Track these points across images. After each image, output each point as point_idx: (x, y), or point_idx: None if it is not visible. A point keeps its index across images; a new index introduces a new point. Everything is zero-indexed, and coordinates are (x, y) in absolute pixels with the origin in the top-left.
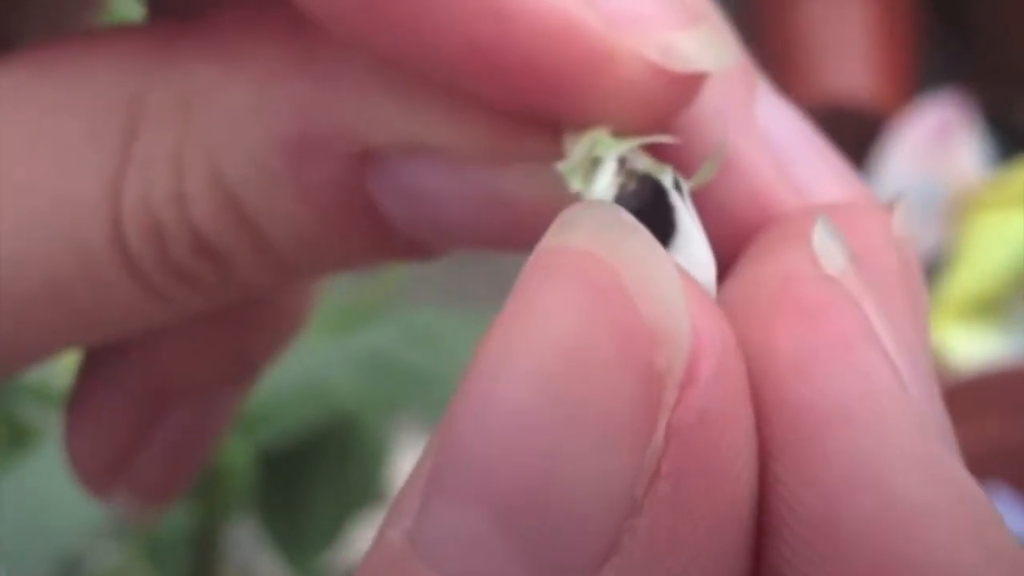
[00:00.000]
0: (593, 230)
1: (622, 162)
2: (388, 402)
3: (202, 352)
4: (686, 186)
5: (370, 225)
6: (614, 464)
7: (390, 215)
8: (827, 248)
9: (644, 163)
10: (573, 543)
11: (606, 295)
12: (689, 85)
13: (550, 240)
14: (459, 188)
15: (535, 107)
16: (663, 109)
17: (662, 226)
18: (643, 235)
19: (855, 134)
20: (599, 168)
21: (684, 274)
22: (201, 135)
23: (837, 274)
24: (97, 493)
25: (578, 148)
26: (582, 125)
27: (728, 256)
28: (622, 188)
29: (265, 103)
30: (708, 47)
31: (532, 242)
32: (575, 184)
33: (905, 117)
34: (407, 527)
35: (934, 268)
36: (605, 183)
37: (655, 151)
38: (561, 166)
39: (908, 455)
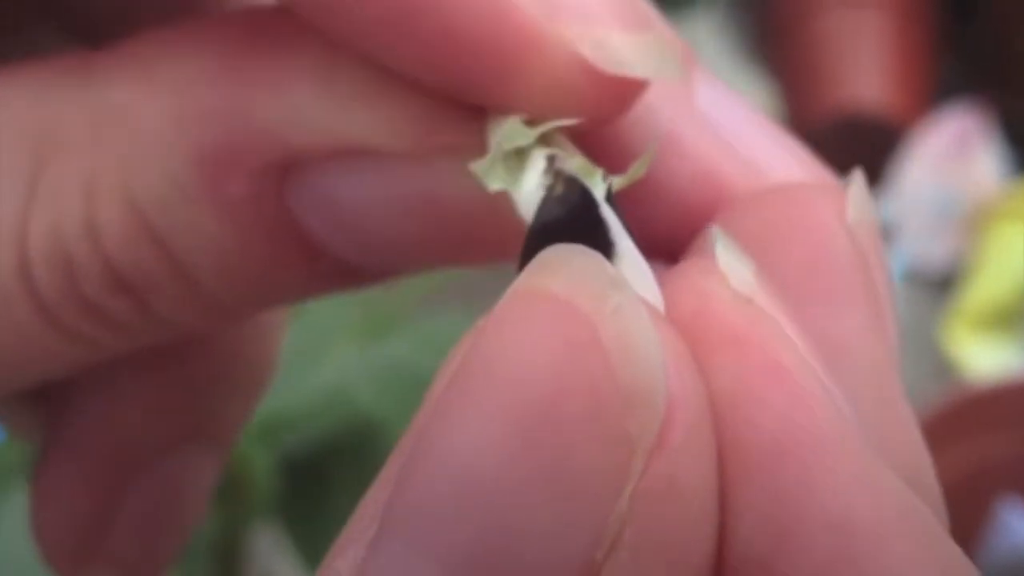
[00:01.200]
0: (575, 278)
1: (550, 160)
2: (409, 411)
3: (162, 412)
4: (612, 187)
5: (294, 248)
6: (574, 528)
7: (314, 233)
8: (731, 264)
9: (573, 164)
10: None
11: (582, 351)
12: (620, 90)
13: (527, 280)
14: (381, 191)
15: (458, 87)
16: (592, 111)
17: (592, 237)
18: (627, 290)
19: (873, 144)
20: (526, 165)
21: (662, 331)
22: (113, 159)
23: (747, 291)
24: (68, 575)
25: (493, 141)
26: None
27: (681, 241)
28: (549, 191)
29: (178, 117)
30: (648, 55)
31: (465, 257)
32: (493, 183)
33: (923, 128)
34: (357, 561)
35: (951, 279)
36: (533, 183)
37: (586, 146)
38: (475, 165)
39: (852, 481)
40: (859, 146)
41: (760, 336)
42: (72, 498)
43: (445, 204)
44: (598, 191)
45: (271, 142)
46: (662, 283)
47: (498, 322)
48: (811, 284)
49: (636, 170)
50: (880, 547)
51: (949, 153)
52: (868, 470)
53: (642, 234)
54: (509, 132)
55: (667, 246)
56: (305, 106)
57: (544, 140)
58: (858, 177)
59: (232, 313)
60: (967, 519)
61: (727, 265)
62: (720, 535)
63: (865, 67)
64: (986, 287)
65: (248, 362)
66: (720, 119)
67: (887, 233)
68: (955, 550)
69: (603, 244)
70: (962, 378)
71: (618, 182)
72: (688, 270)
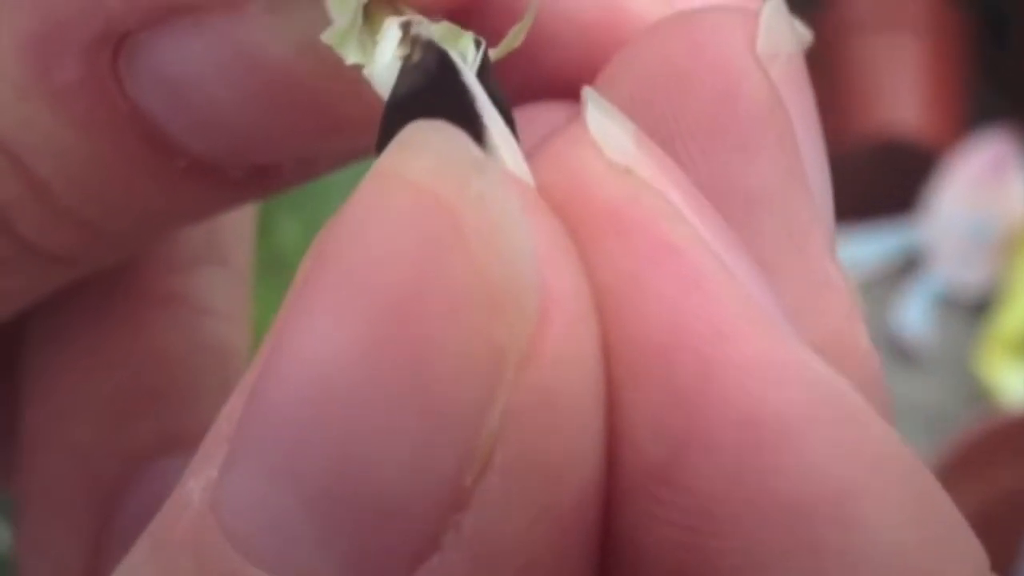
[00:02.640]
0: (435, 160)
1: (406, 28)
2: None
3: (121, 425)
4: (486, 54)
5: (141, 142)
6: (438, 448)
7: (158, 120)
8: (605, 130)
9: (434, 30)
10: (385, 536)
11: (441, 245)
12: None
13: (384, 164)
14: (206, 55)
15: None
16: None
17: (455, 110)
18: (493, 173)
19: (907, 170)
20: (380, 35)
21: (536, 219)
22: None
23: (624, 159)
24: None
25: (339, 7)
26: None
27: (589, 73)
28: (405, 60)
29: (7, 4)
30: None
31: (321, 138)
32: (350, 55)
33: (957, 153)
34: (210, 480)
35: (985, 304)
36: (389, 55)
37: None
38: (327, 36)
39: (759, 369)
40: (893, 171)
41: (643, 213)
42: (57, 546)
43: (269, 65)
44: (468, 59)
45: (89, 11)
46: (530, 158)
47: (351, 211)
48: (718, 128)
49: (513, 37)
50: (794, 441)
51: (983, 178)
52: (778, 354)
53: (542, 80)
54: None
55: (573, 87)
56: None
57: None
58: (773, 2)
59: (113, 237)
60: (1000, 545)
61: (600, 130)
62: (610, 451)
63: (899, 92)
64: (1020, 312)
65: (208, 354)
66: None
67: (921, 258)
68: (882, 431)
69: (468, 117)
70: (996, 404)
71: (494, 53)
72: (559, 140)
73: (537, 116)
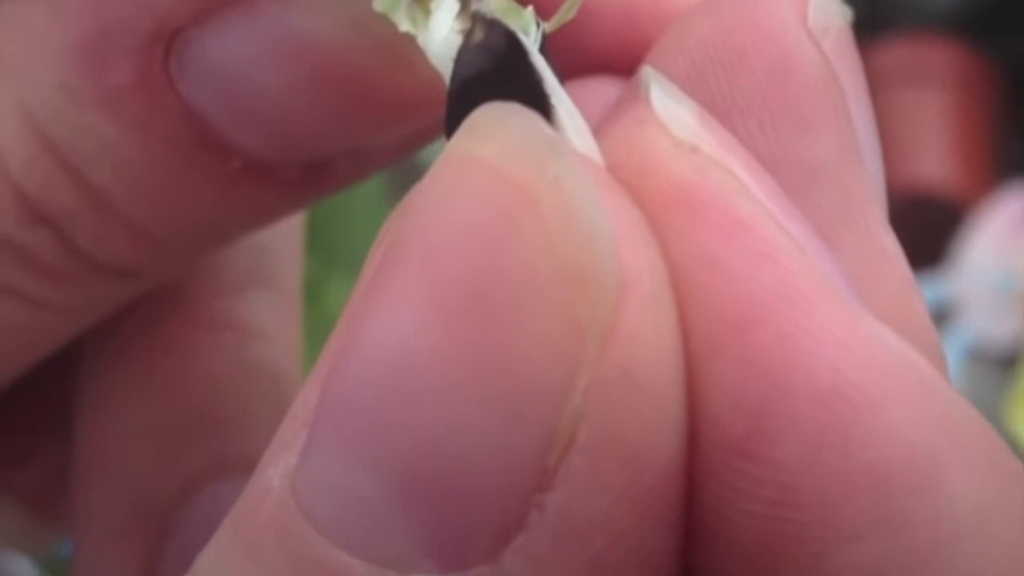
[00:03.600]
0: (511, 143)
1: (464, 1)
2: None
3: (178, 448)
4: (541, 28)
5: (196, 144)
6: (522, 428)
7: (211, 119)
8: (669, 110)
9: (492, 3)
10: (470, 518)
11: (520, 226)
12: None
13: (458, 146)
14: (256, 43)
15: None
16: None
17: (523, 91)
18: (568, 155)
19: (935, 223)
20: (432, 7)
21: (611, 199)
22: (5, 76)
23: (690, 139)
24: None
25: None
26: None
27: (630, 47)
28: (466, 37)
29: (56, 12)
30: None
31: (375, 124)
32: (403, 23)
33: (985, 207)
34: (289, 467)
35: (1014, 358)
36: (445, 28)
37: None
38: (379, 4)
39: (834, 341)
40: (921, 225)
41: (712, 190)
42: (111, 570)
43: (320, 46)
44: (530, 36)
45: (139, 11)
46: (597, 137)
47: (427, 194)
48: (774, 102)
49: (566, 11)
50: (874, 412)
51: (1011, 232)
52: (851, 326)
53: (583, 54)
54: None
55: (614, 63)
56: None
57: None
58: None
59: (171, 247)
60: None
61: (665, 109)
62: (690, 426)
63: (927, 146)
64: None
65: (259, 378)
66: None
67: (949, 312)
68: (955, 398)
69: (536, 99)
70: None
71: (546, 27)
72: (623, 121)
73: (582, 91)
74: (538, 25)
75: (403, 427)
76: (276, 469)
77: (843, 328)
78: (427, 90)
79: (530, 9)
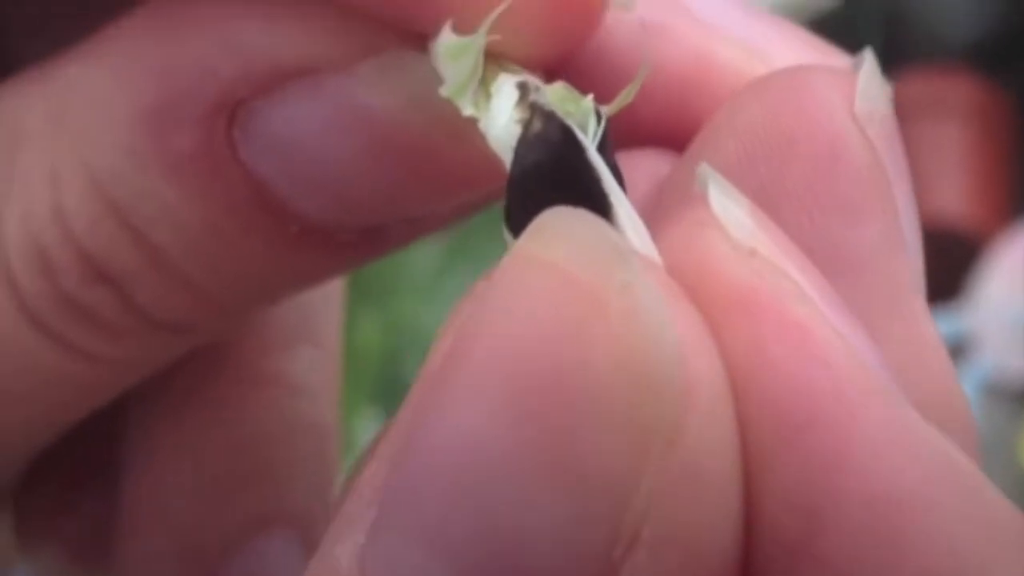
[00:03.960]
0: (580, 249)
1: (523, 89)
2: None
3: (221, 496)
4: (603, 121)
5: (256, 209)
6: (589, 524)
7: (271, 185)
8: (727, 211)
9: (551, 94)
10: None
11: (589, 331)
12: (576, 5)
13: (526, 247)
14: (320, 114)
15: (396, 12)
16: (549, 28)
17: (581, 188)
18: (635, 263)
19: (953, 257)
20: (495, 88)
21: (676, 307)
22: (71, 139)
23: (748, 240)
24: None
25: (439, 60)
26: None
27: (681, 131)
28: (525, 128)
29: (123, 79)
30: None
31: (432, 193)
32: (467, 108)
33: (1003, 241)
34: (356, 547)
35: None
36: (505, 115)
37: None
38: (446, 89)
39: (887, 446)
40: (938, 259)
41: (770, 294)
42: None
43: (381, 121)
44: (589, 129)
45: (206, 81)
46: (655, 238)
47: (496, 292)
48: (823, 190)
49: (625, 96)
50: (923, 517)
51: None
52: (901, 429)
53: (630, 128)
54: (451, 45)
55: (664, 138)
56: (231, 35)
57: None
58: (868, 58)
59: (226, 305)
60: None
61: (723, 210)
62: (746, 524)
63: (945, 179)
64: None
65: (304, 433)
66: (710, 14)
67: (967, 346)
68: (1002, 503)
69: (594, 196)
70: None
71: (605, 110)
72: (682, 222)
73: (630, 163)
74: (598, 115)
75: (472, 516)
76: (344, 547)
77: (893, 432)
78: (484, 164)
79: (590, 98)
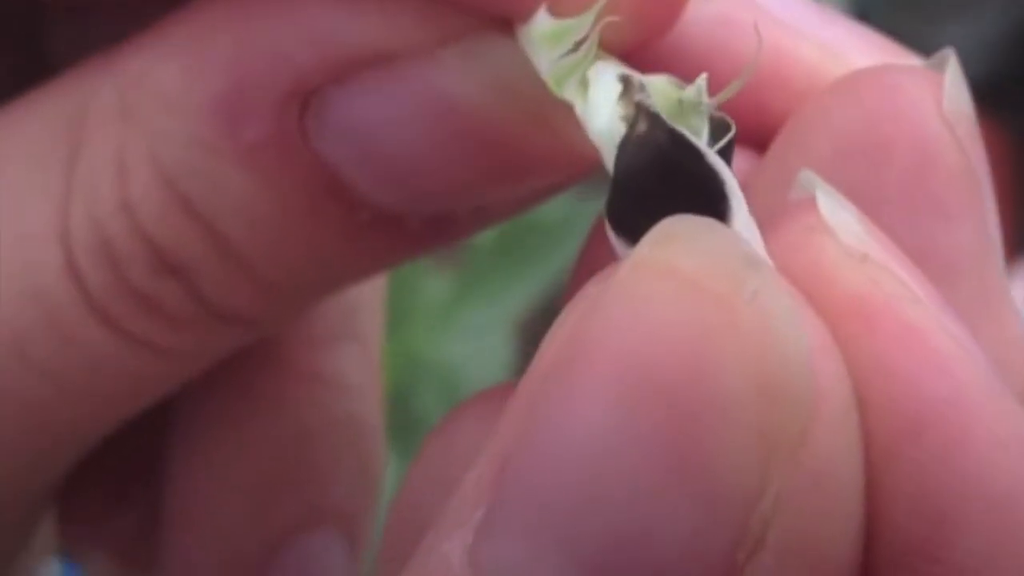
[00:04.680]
0: (708, 258)
1: (626, 83)
2: None
3: (266, 493)
4: (733, 129)
5: (327, 196)
6: (714, 526)
7: (343, 173)
8: (837, 217)
9: (657, 89)
10: None
11: (720, 339)
12: None
13: (651, 253)
14: (398, 102)
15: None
16: (637, 11)
17: (698, 191)
18: (765, 272)
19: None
20: (592, 78)
21: (804, 316)
22: (139, 130)
23: (859, 245)
24: None
25: (552, 46)
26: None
27: (763, 126)
28: (631, 127)
29: (191, 69)
30: None
31: (508, 181)
32: (568, 94)
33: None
34: (466, 544)
35: None
36: (608, 111)
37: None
38: (549, 75)
39: (1010, 447)
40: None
41: (886, 299)
42: None
43: (462, 108)
44: (703, 132)
45: (279, 69)
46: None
47: (622, 295)
48: (918, 193)
49: (729, 91)
50: None
51: None
52: (1015, 430)
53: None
54: (551, 29)
55: (746, 130)
56: (306, 21)
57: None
58: (951, 59)
59: (289, 295)
60: None
61: (832, 216)
62: (869, 528)
63: None
64: None
65: (347, 430)
66: (786, 13)
67: None
68: None
69: (712, 200)
70: None
71: (708, 100)
72: (789, 226)
73: None
74: (710, 114)
75: (594, 516)
76: (453, 546)
77: (1013, 431)
78: (564, 151)
79: (703, 95)
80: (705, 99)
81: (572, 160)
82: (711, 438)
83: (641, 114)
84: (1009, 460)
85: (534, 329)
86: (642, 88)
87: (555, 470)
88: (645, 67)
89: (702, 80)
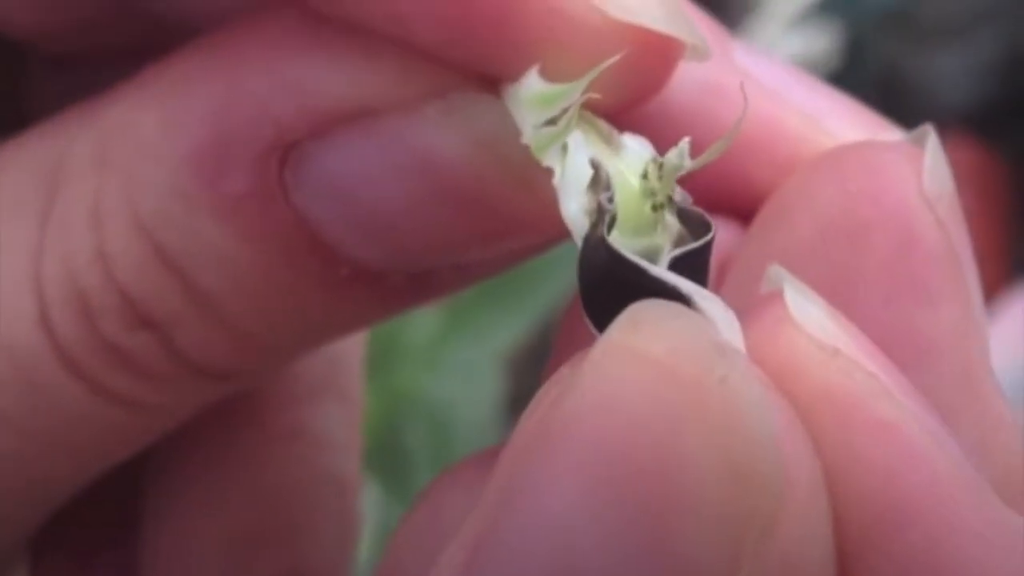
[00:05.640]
0: (676, 343)
1: (596, 171)
2: None
3: (245, 561)
4: (712, 230)
5: (307, 252)
6: None
7: (323, 228)
8: (806, 312)
9: (627, 186)
10: None
11: (689, 423)
12: (651, 53)
13: (620, 338)
14: (378, 156)
15: (472, 57)
16: (625, 78)
17: (654, 294)
18: (734, 357)
19: None
20: (571, 145)
21: (773, 399)
22: (117, 179)
23: (828, 340)
24: None
25: (516, 106)
26: (515, 73)
27: (746, 193)
28: (592, 227)
29: (171, 119)
30: (675, 18)
31: (487, 238)
32: (547, 160)
33: (1000, 304)
34: None
35: None
36: (577, 200)
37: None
38: (531, 139)
39: (982, 541)
40: None
41: (858, 393)
42: None
43: (444, 165)
44: (665, 228)
45: (260, 121)
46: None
47: (590, 382)
48: (899, 274)
49: (711, 153)
50: None
51: None
52: (999, 524)
53: (690, 191)
54: (540, 92)
55: (729, 199)
56: (288, 75)
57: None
58: (931, 135)
59: (268, 350)
60: None
61: (800, 312)
62: None
63: None
64: None
65: (327, 487)
66: (770, 79)
67: None
68: None
69: (673, 297)
70: None
71: (694, 163)
72: (761, 318)
73: None
74: (695, 219)
75: None
76: None
77: (990, 528)
78: (546, 211)
79: (680, 157)
80: (687, 162)
81: (552, 222)
82: (680, 523)
83: (601, 217)
84: (985, 558)
85: (522, 366)
86: (607, 186)
87: (521, 560)
88: (630, 126)
89: (684, 144)
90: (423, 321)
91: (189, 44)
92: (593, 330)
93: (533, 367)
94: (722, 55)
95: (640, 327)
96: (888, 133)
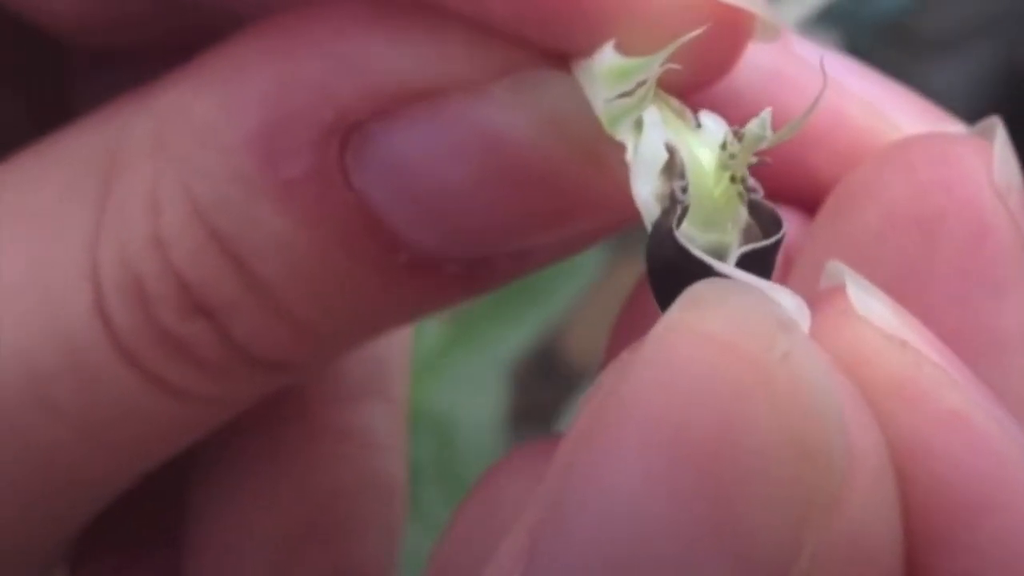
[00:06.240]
0: (739, 320)
1: (671, 156)
2: None
3: (291, 551)
4: (784, 226)
5: (366, 237)
6: None
7: (383, 213)
8: (869, 307)
9: (702, 173)
10: None
11: (752, 400)
12: (726, 30)
13: (682, 318)
14: (441, 138)
15: (547, 34)
16: (699, 55)
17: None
18: (797, 333)
19: None
20: (646, 121)
21: (836, 379)
22: (174, 164)
23: (894, 332)
24: None
25: (613, 84)
26: (588, 49)
27: (812, 180)
28: (664, 214)
29: (229, 103)
30: None
31: (552, 223)
32: (619, 134)
33: None
34: None
35: None
36: (649, 184)
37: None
38: (606, 115)
39: None
40: None
41: (927, 384)
42: None
43: (510, 145)
44: (736, 218)
45: (320, 103)
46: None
47: (653, 359)
48: (970, 268)
49: (786, 131)
50: None
51: None
52: None
53: (761, 176)
54: (616, 67)
55: (791, 188)
56: (350, 55)
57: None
58: (999, 127)
59: (323, 339)
60: None
61: (864, 306)
62: None
63: None
64: None
65: (374, 488)
66: (832, 70)
67: None
68: None
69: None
70: None
71: (767, 141)
72: (826, 312)
73: None
74: (766, 214)
75: None
76: None
77: None
78: (611, 190)
79: (763, 127)
80: (768, 133)
81: (621, 201)
82: (745, 499)
83: (674, 205)
84: None
85: (526, 377)
86: (681, 174)
87: (588, 540)
88: (699, 106)
89: (766, 114)
90: (428, 332)
91: (244, 30)
92: (659, 309)
93: (537, 378)
94: (783, 43)
95: (701, 304)
96: (950, 124)
